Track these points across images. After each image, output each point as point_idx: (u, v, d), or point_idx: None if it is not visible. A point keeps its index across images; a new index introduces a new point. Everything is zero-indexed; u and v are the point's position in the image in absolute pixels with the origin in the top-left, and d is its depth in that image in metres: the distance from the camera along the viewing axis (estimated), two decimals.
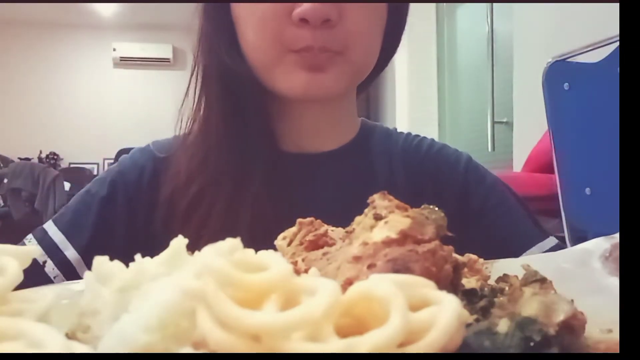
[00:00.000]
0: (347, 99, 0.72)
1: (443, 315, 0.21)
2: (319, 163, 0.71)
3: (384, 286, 0.21)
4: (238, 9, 0.65)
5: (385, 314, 0.20)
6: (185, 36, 0.71)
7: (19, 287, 0.27)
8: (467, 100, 3.87)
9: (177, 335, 0.22)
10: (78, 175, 6.19)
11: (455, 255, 0.29)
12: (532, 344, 0.23)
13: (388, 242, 0.27)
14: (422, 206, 0.31)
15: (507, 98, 2.92)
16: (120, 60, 7.05)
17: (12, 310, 0.26)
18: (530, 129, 2.48)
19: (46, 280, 0.62)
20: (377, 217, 0.30)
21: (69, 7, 6.34)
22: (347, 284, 0.26)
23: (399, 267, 0.26)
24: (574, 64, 1.58)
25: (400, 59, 4.16)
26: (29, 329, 0.21)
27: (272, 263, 0.23)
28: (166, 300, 0.22)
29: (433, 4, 4.13)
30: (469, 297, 0.29)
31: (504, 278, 0.31)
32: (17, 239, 0.63)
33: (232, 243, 0.24)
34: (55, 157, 6.77)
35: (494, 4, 3.30)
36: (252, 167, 0.65)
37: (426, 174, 0.72)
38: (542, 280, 0.30)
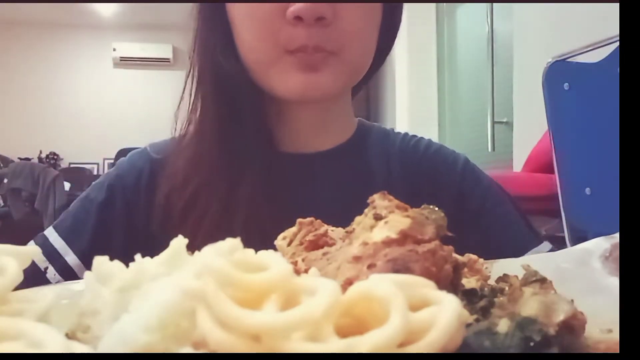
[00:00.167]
0: (343, 99, 0.72)
1: (443, 315, 0.21)
2: (315, 163, 0.71)
3: (384, 286, 0.21)
4: (233, 9, 0.65)
5: (385, 314, 0.20)
6: (185, 36, 0.72)
7: (19, 289, 0.27)
8: (467, 100, 3.87)
9: (177, 335, 0.22)
10: (78, 175, 6.19)
11: (455, 255, 0.29)
12: (532, 344, 0.23)
13: (388, 242, 0.27)
14: (422, 206, 0.31)
15: (507, 98, 2.91)
16: (120, 60, 7.05)
17: (12, 310, 0.26)
18: (530, 129, 2.48)
19: None
20: (377, 217, 0.30)
21: (69, 7, 6.34)
22: (347, 284, 0.26)
23: (399, 267, 0.26)
24: (574, 64, 1.58)
25: (400, 59, 4.16)
26: (29, 329, 0.21)
27: (272, 263, 0.23)
28: (166, 300, 0.22)
29: (433, 4, 4.13)
30: (469, 297, 0.29)
31: (504, 278, 0.31)
32: (17, 239, 0.63)
33: (232, 243, 0.24)
34: (55, 157, 6.77)
35: (494, 4, 3.30)
36: (247, 167, 0.64)
37: (424, 174, 0.72)
38: (542, 280, 0.30)
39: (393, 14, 0.71)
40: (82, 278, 0.65)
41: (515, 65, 2.79)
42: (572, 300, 0.26)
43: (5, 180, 4.91)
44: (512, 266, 0.33)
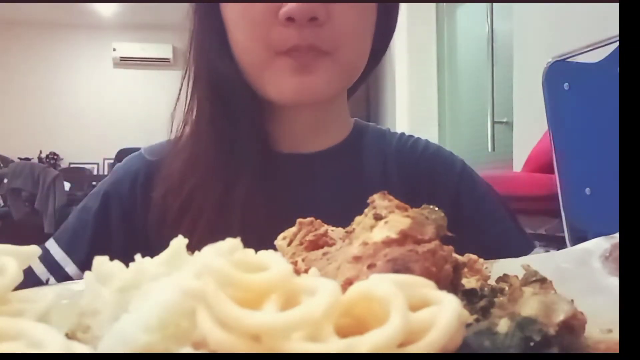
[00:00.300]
0: (338, 100, 0.72)
1: (443, 315, 0.21)
2: (311, 163, 0.71)
3: (384, 286, 0.21)
4: (227, 10, 0.65)
5: (385, 314, 0.20)
6: (185, 36, 0.72)
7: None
8: (467, 100, 3.87)
9: (177, 335, 0.22)
10: (78, 175, 6.20)
11: (455, 255, 0.29)
12: (532, 344, 0.23)
13: (388, 242, 0.27)
14: (422, 206, 0.31)
15: (507, 98, 2.91)
16: (120, 60, 7.06)
17: (12, 310, 0.26)
18: (530, 129, 2.48)
19: None
20: (377, 217, 0.30)
21: (69, 7, 6.35)
22: (347, 284, 0.26)
23: (399, 267, 0.26)
24: (574, 64, 1.58)
25: (400, 59, 4.16)
26: (29, 329, 0.21)
27: (272, 263, 0.23)
28: (166, 300, 0.22)
29: (433, 4, 4.13)
30: (469, 297, 0.29)
31: (504, 278, 0.31)
32: (17, 239, 0.63)
33: (232, 243, 0.24)
34: (55, 157, 6.77)
35: (494, 4, 3.30)
36: (243, 168, 0.64)
37: (421, 175, 0.72)
38: (542, 280, 0.30)
39: (388, 14, 0.71)
40: None
41: (515, 65, 2.79)
42: (572, 300, 0.26)
43: (5, 180, 4.91)
44: (512, 266, 0.33)
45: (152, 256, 0.28)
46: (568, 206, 1.57)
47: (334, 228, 0.36)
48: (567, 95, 1.55)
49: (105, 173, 6.52)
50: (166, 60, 6.86)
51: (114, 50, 7.02)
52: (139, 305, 0.23)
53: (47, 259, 0.66)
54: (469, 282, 0.32)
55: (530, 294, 0.27)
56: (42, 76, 6.84)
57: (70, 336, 0.26)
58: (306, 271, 0.30)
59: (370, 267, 0.26)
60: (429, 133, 4.00)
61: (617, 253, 0.35)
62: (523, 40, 2.71)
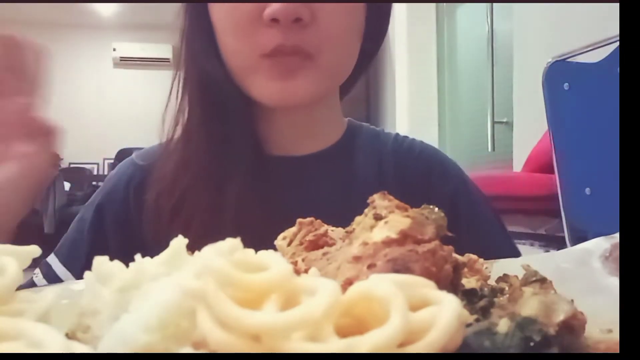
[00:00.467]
0: (329, 101, 0.72)
1: (443, 315, 0.21)
2: (304, 165, 0.70)
3: (384, 286, 0.21)
4: (214, 12, 0.65)
5: (385, 314, 0.20)
6: None
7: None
8: (467, 100, 3.87)
9: (177, 335, 0.22)
10: (78, 175, 6.20)
11: (455, 255, 0.29)
12: (532, 344, 0.23)
13: (388, 242, 0.27)
14: (422, 206, 0.31)
15: (507, 98, 2.92)
16: (120, 60, 7.06)
17: (12, 310, 0.26)
18: (530, 129, 2.48)
19: None
20: (377, 217, 0.30)
21: (69, 7, 6.35)
22: (347, 284, 0.26)
23: (399, 267, 0.26)
24: (574, 64, 1.58)
25: (400, 59, 4.16)
26: (29, 329, 0.21)
27: (272, 263, 0.23)
28: (166, 300, 0.22)
29: (433, 4, 4.14)
30: (469, 297, 0.29)
31: (504, 278, 0.31)
32: (17, 239, 0.63)
33: (232, 243, 0.24)
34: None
35: (494, 4, 3.30)
36: (234, 170, 0.64)
37: (418, 176, 0.72)
38: (542, 280, 0.30)
39: (378, 15, 0.70)
40: None
41: (515, 65, 2.79)
42: (572, 300, 0.26)
43: None
44: (512, 266, 0.33)
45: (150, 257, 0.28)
46: (568, 206, 1.57)
47: (334, 228, 0.36)
48: (567, 95, 1.55)
49: (106, 173, 6.52)
50: (166, 60, 6.86)
51: (114, 50, 7.03)
52: (139, 305, 0.23)
53: (49, 274, 0.66)
54: (469, 282, 0.32)
55: (530, 294, 0.27)
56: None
57: (70, 336, 0.26)
58: (306, 271, 0.30)
59: (370, 267, 0.26)
60: (429, 133, 4.00)
61: (617, 253, 0.35)
62: (523, 40, 2.71)
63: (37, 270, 0.67)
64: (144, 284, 0.25)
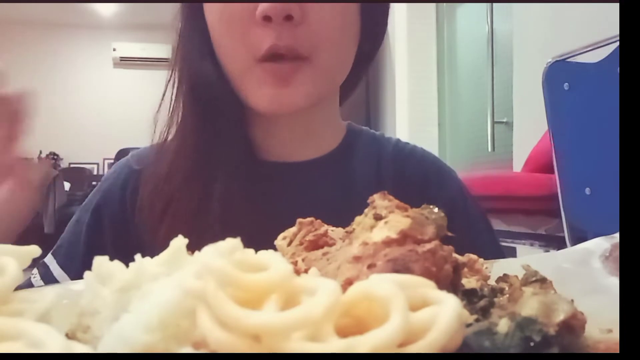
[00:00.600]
0: (327, 106, 0.71)
1: (443, 315, 0.21)
2: (303, 172, 0.70)
3: (384, 286, 0.21)
4: (209, 13, 0.65)
5: (385, 314, 0.20)
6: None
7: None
8: (467, 100, 3.87)
9: (177, 335, 0.22)
10: (78, 175, 6.20)
11: (455, 255, 0.29)
12: (532, 344, 0.23)
13: (388, 242, 0.27)
14: (422, 206, 0.31)
15: (507, 98, 2.91)
16: (120, 60, 7.06)
17: (12, 310, 0.26)
18: (530, 129, 2.48)
19: None
20: (377, 217, 0.30)
21: (69, 7, 6.35)
22: (347, 284, 0.26)
23: (399, 267, 0.26)
24: (574, 64, 1.58)
25: (400, 59, 4.16)
26: (29, 329, 0.21)
27: (272, 263, 0.23)
28: (166, 300, 0.22)
29: (433, 4, 4.14)
30: (469, 297, 0.29)
31: (504, 278, 0.31)
32: (17, 239, 0.63)
33: (233, 243, 0.24)
34: (55, 157, 6.77)
35: (494, 4, 3.30)
36: (220, 172, 0.64)
37: (417, 183, 0.71)
38: (542, 280, 0.31)
39: (374, 16, 0.69)
40: None
41: (515, 65, 2.79)
42: (572, 300, 0.26)
43: None
44: (512, 266, 0.33)
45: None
46: (568, 206, 1.57)
47: (334, 228, 0.36)
48: (567, 95, 1.55)
49: (106, 173, 6.51)
50: (166, 60, 6.81)
51: (114, 50, 7.03)
52: (139, 305, 0.23)
53: (47, 275, 0.66)
54: (469, 282, 0.32)
55: (530, 294, 0.27)
56: (42, 76, 6.84)
57: (70, 336, 0.26)
58: (306, 271, 0.30)
59: (370, 267, 0.26)
60: (429, 133, 4.00)
61: (617, 253, 0.35)
62: (523, 40, 2.71)
63: (35, 271, 0.67)
64: (144, 284, 0.25)
